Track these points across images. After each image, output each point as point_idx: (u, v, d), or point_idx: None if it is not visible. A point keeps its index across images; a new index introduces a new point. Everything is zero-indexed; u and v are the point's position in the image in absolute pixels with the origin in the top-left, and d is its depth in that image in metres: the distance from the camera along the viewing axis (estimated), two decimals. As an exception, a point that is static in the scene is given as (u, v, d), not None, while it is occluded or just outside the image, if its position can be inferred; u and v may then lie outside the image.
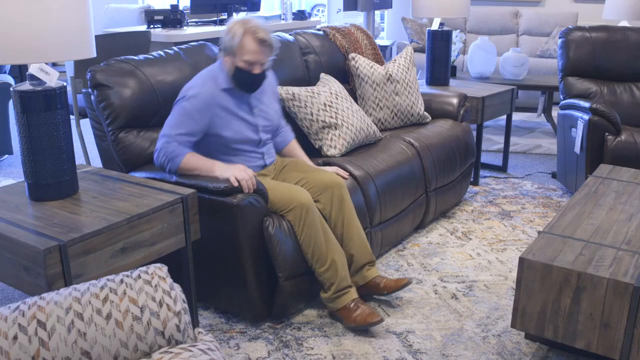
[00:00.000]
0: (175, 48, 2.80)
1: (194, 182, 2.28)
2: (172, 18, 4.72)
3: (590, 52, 3.91)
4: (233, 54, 2.36)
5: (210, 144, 2.43)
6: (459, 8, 3.99)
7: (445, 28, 4.12)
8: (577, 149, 3.55)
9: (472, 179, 4.04)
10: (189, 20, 5.12)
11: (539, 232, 2.21)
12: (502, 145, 4.95)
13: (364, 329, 2.38)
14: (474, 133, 4.10)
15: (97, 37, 3.48)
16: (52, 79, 1.94)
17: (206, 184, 2.25)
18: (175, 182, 2.31)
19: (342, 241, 2.48)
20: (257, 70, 2.38)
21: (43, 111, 1.93)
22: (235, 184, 2.23)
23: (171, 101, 2.59)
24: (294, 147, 2.76)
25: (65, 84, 2.01)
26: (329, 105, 2.99)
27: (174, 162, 2.32)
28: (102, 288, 1.38)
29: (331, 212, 2.48)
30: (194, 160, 2.33)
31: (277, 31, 4.55)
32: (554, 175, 4.25)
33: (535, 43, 6.35)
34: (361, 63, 3.41)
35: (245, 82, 2.40)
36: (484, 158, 4.63)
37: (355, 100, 3.51)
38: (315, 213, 2.34)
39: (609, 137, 3.41)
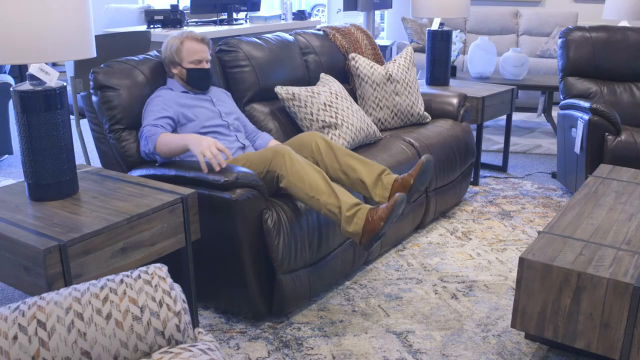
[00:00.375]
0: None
1: (193, 174, 2.28)
2: (172, 18, 4.72)
3: (590, 52, 3.91)
4: (180, 62, 2.61)
5: (183, 131, 2.55)
6: (459, 8, 3.99)
7: (445, 28, 4.12)
8: (577, 149, 3.55)
9: (472, 179, 4.05)
10: (189, 20, 5.12)
11: (539, 232, 2.21)
12: (502, 145, 4.95)
13: (396, 215, 2.27)
14: (474, 133, 4.10)
15: (97, 37, 3.49)
16: (52, 79, 1.94)
17: (205, 176, 2.25)
18: (174, 175, 2.31)
19: (347, 177, 2.55)
20: (205, 65, 2.64)
21: (43, 111, 1.93)
22: (205, 169, 2.25)
23: (171, 101, 2.60)
24: (275, 142, 2.85)
25: (65, 84, 2.01)
26: (329, 105, 2.99)
27: (152, 140, 2.39)
28: (102, 288, 1.38)
29: (320, 159, 2.57)
30: (168, 136, 2.38)
31: (277, 31, 4.56)
32: (554, 175, 4.25)
33: (535, 43, 6.35)
34: (361, 63, 3.41)
35: (200, 77, 2.63)
36: (484, 158, 4.63)
37: (355, 100, 3.51)
38: (294, 154, 2.36)
39: (609, 137, 3.41)
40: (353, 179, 2.56)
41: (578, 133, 3.53)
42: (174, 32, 2.66)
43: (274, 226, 2.29)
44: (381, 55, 3.84)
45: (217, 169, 2.23)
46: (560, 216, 2.35)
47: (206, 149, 2.22)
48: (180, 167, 2.35)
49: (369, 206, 2.33)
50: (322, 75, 3.26)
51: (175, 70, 2.64)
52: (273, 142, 2.83)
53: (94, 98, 2.51)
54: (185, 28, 4.70)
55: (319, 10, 11.01)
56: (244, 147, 2.66)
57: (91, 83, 2.48)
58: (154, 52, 2.74)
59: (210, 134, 2.58)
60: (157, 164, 2.45)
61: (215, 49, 3.06)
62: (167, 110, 2.49)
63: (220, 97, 2.77)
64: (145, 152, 2.45)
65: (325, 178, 2.35)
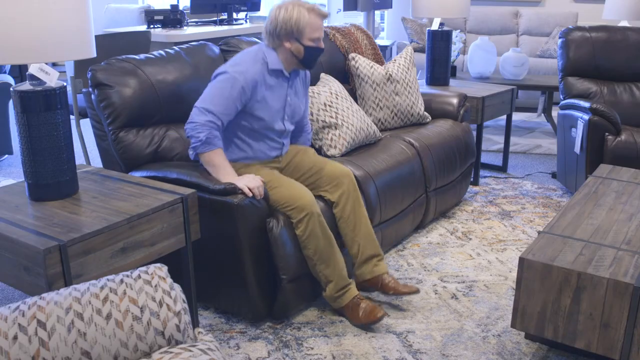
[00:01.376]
0: (176, 48, 2.80)
1: (195, 180, 2.28)
2: (172, 18, 4.71)
3: (590, 52, 3.91)
4: (299, 36, 2.36)
5: (236, 123, 2.41)
6: (459, 8, 3.99)
7: (445, 28, 4.12)
8: (577, 149, 3.55)
9: (472, 179, 4.04)
10: (189, 20, 5.12)
11: (539, 232, 2.21)
12: (502, 145, 4.95)
13: (370, 326, 2.39)
14: (474, 133, 4.10)
15: (97, 37, 3.49)
16: (52, 79, 1.94)
17: (207, 184, 2.25)
18: (175, 178, 2.31)
19: (350, 231, 2.50)
20: (322, 44, 2.43)
21: (43, 111, 1.93)
22: (249, 194, 2.23)
23: (171, 100, 2.59)
24: (313, 155, 2.71)
25: (65, 84, 2.01)
26: (329, 105, 2.99)
27: (205, 148, 2.27)
28: (102, 288, 1.38)
29: (339, 203, 2.50)
30: (219, 159, 2.30)
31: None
32: (554, 175, 4.25)
33: (535, 43, 6.35)
34: (361, 63, 3.41)
35: (316, 57, 2.44)
36: (484, 158, 4.63)
37: (355, 100, 3.51)
38: (317, 218, 2.33)
39: (609, 137, 3.41)
40: (352, 237, 2.51)
41: (578, 133, 3.53)
42: (278, 4, 2.39)
43: (280, 235, 2.29)
44: (381, 55, 3.84)
45: (258, 198, 2.26)
46: (560, 216, 2.35)
47: (249, 182, 2.24)
48: (181, 171, 2.35)
49: (355, 292, 2.41)
50: (322, 75, 3.26)
51: (288, 45, 2.37)
52: (311, 154, 2.64)
53: (92, 96, 2.50)
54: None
55: (319, 10, 10.99)
56: (281, 148, 2.56)
57: (89, 81, 2.48)
58: (158, 52, 2.72)
59: (261, 137, 2.46)
60: (157, 165, 2.44)
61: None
62: (237, 100, 2.30)
63: (298, 88, 2.56)
64: (191, 139, 2.29)
65: (333, 250, 2.36)
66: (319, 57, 2.47)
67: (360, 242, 2.50)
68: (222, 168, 2.30)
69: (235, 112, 2.35)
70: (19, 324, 1.28)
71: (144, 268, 1.46)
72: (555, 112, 5.73)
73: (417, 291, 2.48)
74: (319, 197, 2.54)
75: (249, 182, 2.25)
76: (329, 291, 2.41)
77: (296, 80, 2.55)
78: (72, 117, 3.66)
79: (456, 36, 5.05)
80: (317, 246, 2.34)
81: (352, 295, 2.41)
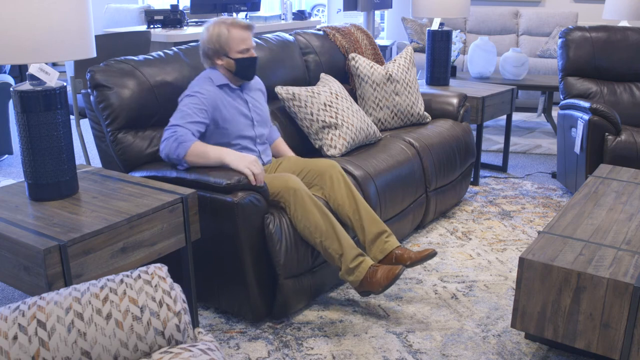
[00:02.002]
0: (174, 48, 2.80)
1: (194, 176, 2.28)
2: (172, 18, 4.71)
3: (590, 52, 3.91)
4: (226, 52, 2.50)
5: (211, 139, 2.49)
6: (459, 8, 3.99)
7: (445, 28, 4.12)
8: (577, 149, 3.55)
9: (472, 179, 4.04)
10: (189, 20, 5.12)
11: (539, 232, 2.21)
12: (502, 145, 4.95)
13: (392, 285, 2.33)
14: (474, 133, 4.10)
15: (97, 37, 3.49)
16: (52, 79, 1.94)
17: (207, 178, 2.25)
18: (175, 178, 2.31)
19: (352, 216, 2.51)
20: (253, 53, 2.54)
21: (43, 111, 1.93)
22: (252, 178, 2.25)
23: (170, 101, 2.59)
24: (279, 143, 2.84)
25: (65, 84, 2.01)
26: (329, 105, 2.99)
27: (184, 147, 2.30)
28: (102, 288, 1.38)
29: (332, 194, 2.52)
30: (203, 147, 2.33)
31: (277, 31, 4.56)
32: (554, 175, 4.25)
33: (535, 43, 6.35)
34: (361, 63, 3.41)
35: (248, 67, 2.54)
36: (484, 158, 4.63)
37: (355, 100, 3.51)
38: (303, 191, 2.35)
39: (609, 137, 3.41)
40: (355, 222, 2.52)
41: (578, 133, 3.53)
42: (211, 19, 2.54)
43: (275, 231, 2.29)
44: (381, 55, 3.84)
45: (259, 184, 2.28)
46: (560, 216, 2.35)
47: (251, 164, 2.27)
48: (181, 169, 2.35)
49: (370, 262, 2.38)
50: (322, 75, 3.26)
51: (220, 62, 2.52)
52: (279, 142, 2.81)
53: (91, 97, 2.50)
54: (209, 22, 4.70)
55: (319, 10, 11.01)
56: (259, 155, 2.64)
57: (88, 82, 2.48)
58: (157, 53, 2.72)
59: (236, 148, 2.52)
60: (157, 165, 2.44)
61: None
62: (203, 114, 2.40)
63: (256, 96, 2.67)
64: (169, 157, 2.33)
65: (332, 221, 2.36)
66: (255, 65, 2.56)
67: (364, 224, 2.50)
68: (210, 150, 2.32)
69: (203, 118, 2.41)
70: (19, 324, 1.28)
71: (144, 268, 1.46)
72: (555, 112, 5.73)
73: (434, 253, 2.47)
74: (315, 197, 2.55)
75: (253, 167, 2.27)
76: (344, 266, 2.35)
77: (250, 89, 2.66)
78: (72, 117, 3.66)
79: (456, 36, 5.05)
80: (315, 222, 2.32)
81: (369, 264, 2.36)
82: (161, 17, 4.71)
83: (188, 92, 2.46)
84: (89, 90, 2.50)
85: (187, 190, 2.14)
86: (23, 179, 2.11)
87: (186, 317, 1.42)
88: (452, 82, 4.33)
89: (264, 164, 2.64)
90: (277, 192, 2.36)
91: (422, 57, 6.10)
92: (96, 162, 4.39)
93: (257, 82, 2.73)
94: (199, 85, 2.48)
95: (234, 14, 5.27)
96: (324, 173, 2.55)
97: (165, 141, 2.35)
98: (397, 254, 2.50)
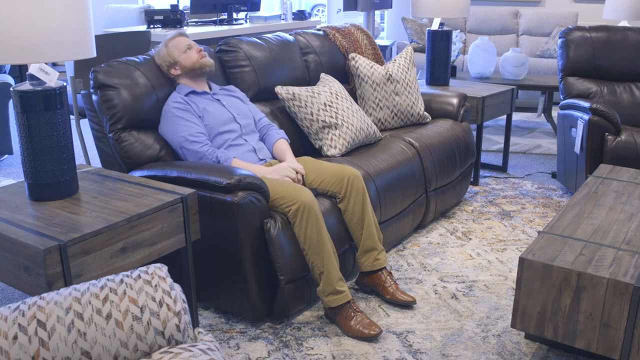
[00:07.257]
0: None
1: (195, 176, 2.28)
2: (172, 18, 4.71)
3: (590, 52, 3.91)
4: (175, 61, 2.62)
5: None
6: (459, 8, 3.99)
7: (445, 28, 4.12)
8: (577, 149, 3.55)
9: (472, 179, 4.04)
10: (189, 20, 5.12)
11: (539, 232, 2.21)
12: (502, 145, 4.95)
13: (360, 339, 2.35)
14: (474, 133, 4.10)
15: (97, 37, 3.49)
16: (52, 79, 1.94)
17: (207, 178, 2.25)
18: (176, 177, 2.32)
19: (355, 223, 2.54)
20: (197, 48, 2.65)
21: (43, 111, 1.93)
22: (297, 179, 2.50)
23: (171, 101, 2.60)
24: (280, 145, 2.74)
25: (65, 84, 2.01)
26: (329, 105, 2.99)
27: (225, 165, 2.43)
28: (102, 288, 1.38)
29: (348, 202, 2.54)
30: (241, 165, 2.49)
31: (277, 31, 4.56)
32: (554, 175, 4.25)
33: (535, 43, 6.35)
34: (361, 63, 3.41)
35: (200, 58, 2.64)
36: (484, 158, 4.63)
37: (355, 100, 3.51)
38: (316, 212, 2.33)
39: (609, 137, 3.41)
40: (357, 231, 2.57)
41: (578, 133, 3.53)
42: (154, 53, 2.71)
43: (277, 236, 2.28)
44: (381, 55, 3.84)
45: (301, 182, 2.51)
46: (560, 216, 2.35)
47: (284, 171, 2.49)
48: (182, 169, 2.35)
49: (349, 298, 2.38)
50: (322, 75, 3.26)
51: (176, 71, 2.63)
52: (280, 144, 2.73)
53: (94, 97, 2.51)
54: (184, 28, 4.70)
55: (319, 10, 11.01)
56: (254, 150, 2.65)
57: (91, 82, 2.48)
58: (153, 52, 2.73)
59: (224, 142, 2.59)
60: (157, 164, 2.44)
61: (216, 48, 3.06)
62: (195, 115, 2.54)
63: (230, 100, 2.74)
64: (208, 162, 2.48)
65: (325, 241, 2.34)
66: (204, 55, 2.66)
67: (363, 233, 2.55)
68: (246, 167, 2.48)
69: (201, 123, 2.55)
70: (19, 324, 1.28)
71: (144, 268, 1.46)
72: (555, 112, 5.73)
73: (413, 301, 2.53)
74: (324, 195, 2.56)
75: (288, 172, 2.49)
76: (322, 285, 2.36)
77: (222, 96, 2.73)
78: (72, 117, 3.66)
79: (456, 36, 5.05)
80: (306, 233, 2.31)
81: (347, 299, 2.37)
82: (161, 17, 4.71)
83: (166, 107, 2.55)
84: (92, 91, 2.50)
85: (187, 190, 2.14)
86: (23, 179, 2.11)
87: (186, 317, 1.42)
88: (452, 82, 4.33)
89: (264, 161, 2.65)
90: (289, 204, 2.33)
91: (422, 57, 6.10)
92: (96, 162, 4.39)
93: (231, 90, 2.81)
94: (174, 98, 2.58)
95: (234, 14, 5.27)
96: (345, 179, 2.55)
97: (202, 159, 2.48)
98: (382, 280, 2.57)
